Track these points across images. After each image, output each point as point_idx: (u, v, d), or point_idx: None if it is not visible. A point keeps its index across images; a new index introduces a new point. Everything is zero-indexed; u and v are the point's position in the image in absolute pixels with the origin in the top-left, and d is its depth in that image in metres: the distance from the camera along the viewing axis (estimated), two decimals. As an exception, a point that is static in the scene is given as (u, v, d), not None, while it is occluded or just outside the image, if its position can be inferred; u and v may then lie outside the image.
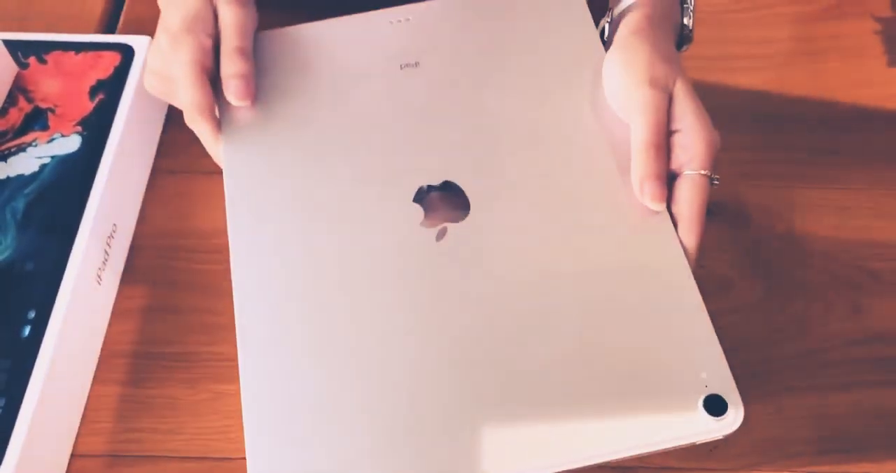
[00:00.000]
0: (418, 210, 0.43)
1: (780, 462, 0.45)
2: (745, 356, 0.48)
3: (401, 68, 0.47)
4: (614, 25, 0.48)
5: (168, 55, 0.47)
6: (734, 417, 0.37)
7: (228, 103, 0.46)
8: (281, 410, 0.38)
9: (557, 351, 0.38)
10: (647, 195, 0.41)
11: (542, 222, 0.42)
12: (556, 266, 0.41)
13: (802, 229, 0.54)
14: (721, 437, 0.37)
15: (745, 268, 0.52)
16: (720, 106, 0.60)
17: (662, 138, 0.42)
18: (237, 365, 0.48)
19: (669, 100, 0.44)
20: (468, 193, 0.43)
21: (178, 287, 0.52)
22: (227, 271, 0.42)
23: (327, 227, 0.42)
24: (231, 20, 0.47)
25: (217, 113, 0.47)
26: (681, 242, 0.41)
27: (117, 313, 0.51)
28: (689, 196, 0.42)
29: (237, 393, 0.47)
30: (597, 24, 0.49)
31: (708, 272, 0.52)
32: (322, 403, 0.38)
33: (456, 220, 0.42)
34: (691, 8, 0.49)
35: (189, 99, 0.45)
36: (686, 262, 0.41)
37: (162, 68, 0.48)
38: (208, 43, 0.47)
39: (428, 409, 0.37)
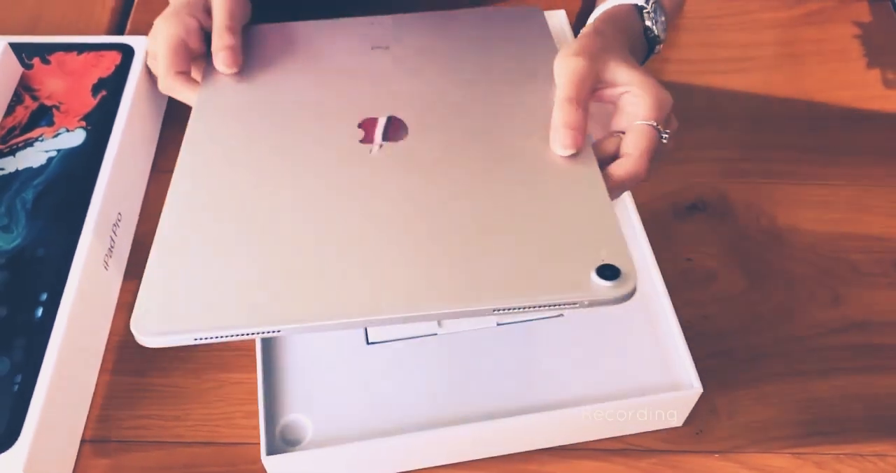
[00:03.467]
0: (360, 132, 0.46)
1: (764, 444, 0.46)
2: (730, 344, 0.50)
3: (372, 49, 0.53)
4: None
5: (154, 34, 0.52)
6: (626, 282, 0.37)
7: (212, 73, 0.50)
8: (186, 254, 0.40)
9: (459, 224, 0.40)
10: (557, 142, 0.43)
11: (471, 151, 0.45)
12: (478, 176, 0.43)
13: (785, 223, 0.56)
14: (613, 301, 0.37)
15: (730, 261, 0.54)
16: (707, 107, 0.63)
17: (581, 94, 0.44)
18: (242, 355, 0.50)
19: (603, 69, 0.45)
20: (410, 127, 0.46)
21: (181, 278, 0.53)
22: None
23: (274, 146, 0.46)
24: (222, 3, 0.52)
25: (196, 78, 0.51)
26: (612, 175, 0.42)
27: (122, 305, 0.52)
28: (635, 140, 0.43)
29: (242, 382, 0.49)
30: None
31: (694, 265, 0.54)
32: (226, 248, 0.40)
33: (394, 141, 0.45)
34: (651, 11, 0.51)
35: (164, 64, 0.51)
36: (597, 167, 0.42)
37: (150, 46, 0.54)
38: (192, 23, 0.52)
39: (325, 254, 0.39)
